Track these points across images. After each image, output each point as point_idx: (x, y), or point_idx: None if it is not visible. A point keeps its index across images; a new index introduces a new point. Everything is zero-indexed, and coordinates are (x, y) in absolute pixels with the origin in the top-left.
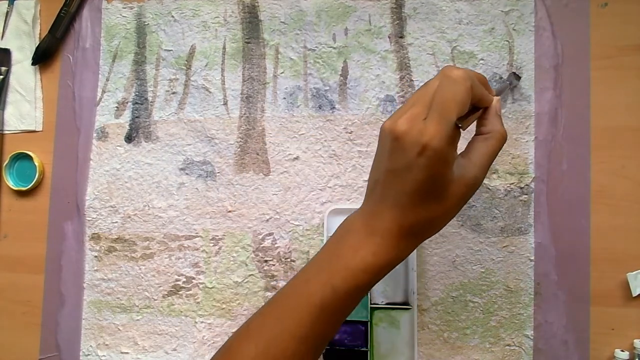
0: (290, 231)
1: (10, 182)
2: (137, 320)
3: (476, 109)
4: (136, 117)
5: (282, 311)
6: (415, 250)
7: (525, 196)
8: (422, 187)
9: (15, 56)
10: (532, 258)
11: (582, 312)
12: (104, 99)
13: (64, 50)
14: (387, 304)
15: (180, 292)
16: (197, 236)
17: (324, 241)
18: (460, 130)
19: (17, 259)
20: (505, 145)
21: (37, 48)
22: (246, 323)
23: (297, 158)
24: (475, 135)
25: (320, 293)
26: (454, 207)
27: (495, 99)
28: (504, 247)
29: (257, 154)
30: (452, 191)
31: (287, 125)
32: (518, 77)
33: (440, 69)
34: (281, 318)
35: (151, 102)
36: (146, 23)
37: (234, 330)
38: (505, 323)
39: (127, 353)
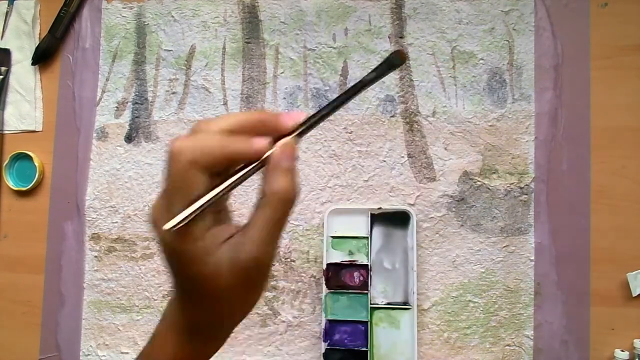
0: (290, 231)
1: (10, 182)
2: (137, 320)
3: (251, 164)
4: (136, 117)
5: None
6: (415, 250)
7: (525, 196)
8: (179, 287)
9: (15, 56)
10: (532, 258)
11: (582, 312)
12: (104, 99)
13: (64, 50)
14: (387, 304)
15: None
16: None
17: (324, 241)
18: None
19: (17, 259)
20: (505, 145)
21: (37, 48)
22: None
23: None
24: (257, 197)
25: None
26: (235, 300)
27: (281, 144)
28: (504, 247)
29: None
30: (221, 285)
31: None
32: (403, 57)
33: (439, 70)
34: None
35: (151, 102)
36: (146, 23)
37: (234, 331)
38: (505, 323)
39: (127, 353)
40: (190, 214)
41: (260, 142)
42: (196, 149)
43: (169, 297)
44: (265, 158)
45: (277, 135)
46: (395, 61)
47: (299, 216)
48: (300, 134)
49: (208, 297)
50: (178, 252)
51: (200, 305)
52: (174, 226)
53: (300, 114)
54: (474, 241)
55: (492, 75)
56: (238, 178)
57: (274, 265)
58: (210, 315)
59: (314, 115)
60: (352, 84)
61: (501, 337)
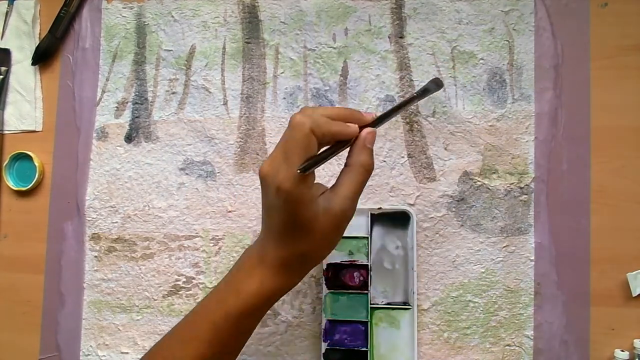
0: None
1: (10, 182)
2: (137, 320)
3: (341, 142)
4: (136, 117)
5: (184, 333)
6: (415, 250)
7: (525, 196)
8: (283, 225)
9: (15, 56)
10: (532, 258)
11: (582, 312)
12: (104, 99)
13: (64, 50)
14: (387, 304)
15: (180, 292)
16: (197, 236)
17: None
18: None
19: (17, 259)
20: (505, 145)
21: (37, 48)
22: (155, 345)
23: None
24: (344, 166)
25: (215, 315)
26: (324, 241)
27: (366, 130)
28: (504, 247)
29: (257, 154)
30: (317, 227)
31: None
32: (439, 85)
33: (439, 70)
34: (183, 340)
35: (151, 102)
36: (146, 23)
37: None
38: (505, 323)
39: (127, 353)
40: (314, 163)
41: (354, 127)
42: (314, 122)
43: (258, 238)
44: (355, 139)
45: (361, 125)
46: (439, 83)
47: None
48: (376, 125)
49: (305, 235)
50: (295, 194)
51: (297, 241)
52: (304, 169)
53: (375, 113)
54: (474, 241)
55: (492, 75)
56: (337, 147)
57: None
58: (302, 252)
59: (384, 114)
60: (415, 91)
61: (501, 337)
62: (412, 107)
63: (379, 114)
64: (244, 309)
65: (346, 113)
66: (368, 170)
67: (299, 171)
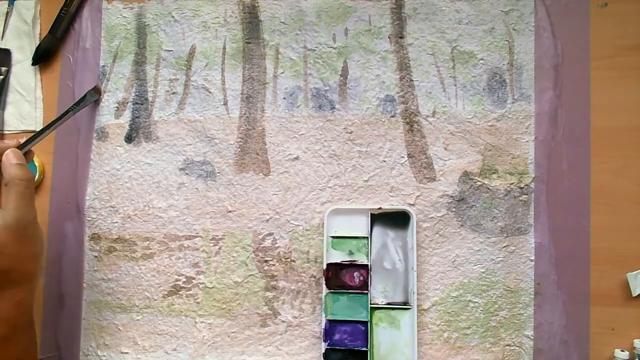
0: (290, 231)
1: None
2: (137, 320)
3: None
4: (136, 117)
5: None
6: (415, 250)
7: (525, 196)
8: None
9: (15, 56)
10: (532, 258)
11: (582, 312)
12: (104, 99)
13: (64, 50)
14: (387, 304)
15: (180, 292)
16: (197, 236)
17: (324, 241)
18: None
19: None
20: (505, 145)
21: (37, 48)
22: None
23: (297, 158)
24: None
25: None
26: (18, 253)
27: (7, 152)
28: (504, 247)
29: (257, 154)
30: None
31: (287, 125)
32: (98, 92)
33: (439, 70)
34: None
35: (151, 102)
36: (146, 23)
37: (234, 331)
38: (505, 323)
39: (127, 353)
40: None
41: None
42: None
43: None
44: None
45: (2, 151)
46: (92, 96)
47: (299, 216)
48: (24, 147)
49: None
50: None
51: None
52: None
53: (20, 140)
54: (474, 241)
55: (492, 75)
56: None
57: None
58: (1, 270)
59: (33, 136)
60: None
61: (501, 337)
62: (412, 107)
63: (23, 140)
64: None
65: None
66: (22, 179)
67: None
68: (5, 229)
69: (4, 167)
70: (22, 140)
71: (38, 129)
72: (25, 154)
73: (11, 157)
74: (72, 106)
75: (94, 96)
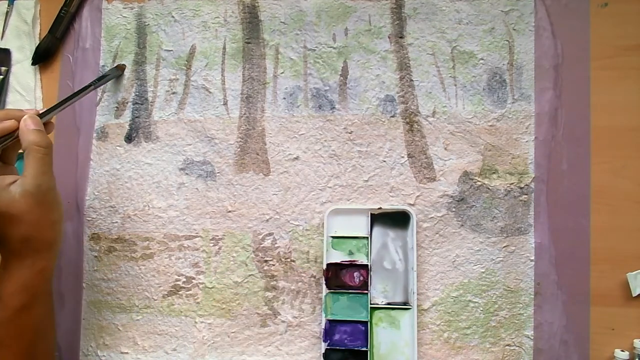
0: (290, 231)
1: None
2: (137, 320)
3: (7, 137)
4: (136, 117)
5: None
6: (415, 250)
7: (525, 196)
8: None
9: (15, 56)
10: (532, 258)
11: (582, 312)
12: (104, 99)
13: (64, 50)
14: (387, 304)
15: (180, 292)
16: (197, 236)
17: (324, 241)
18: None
19: None
20: (505, 145)
21: (37, 48)
22: None
23: (297, 158)
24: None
25: None
26: (38, 220)
27: (24, 117)
28: (504, 247)
29: (257, 154)
30: (20, 209)
31: (287, 125)
32: (121, 69)
33: (439, 70)
34: None
35: (151, 102)
36: (146, 23)
37: (234, 331)
38: (505, 323)
39: (127, 353)
40: None
41: (10, 122)
42: None
43: None
44: (17, 131)
45: (20, 118)
46: (121, 68)
47: (299, 216)
48: (45, 115)
49: (11, 220)
50: None
51: (9, 228)
52: None
53: (38, 110)
54: (474, 241)
55: (492, 75)
56: (3, 142)
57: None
58: (23, 236)
59: (54, 105)
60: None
61: (501, 337)
62: (412, 107)
63: (42, 110)
64: (10, 311)
65: (1, 114)
66: (41, 145)
67: None
68: (25, 195)
69: (21, 133)
70: (41, 111)
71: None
72: (45, 126)
73: (29, 123)
74: (94, 81)
75: (117, 72)
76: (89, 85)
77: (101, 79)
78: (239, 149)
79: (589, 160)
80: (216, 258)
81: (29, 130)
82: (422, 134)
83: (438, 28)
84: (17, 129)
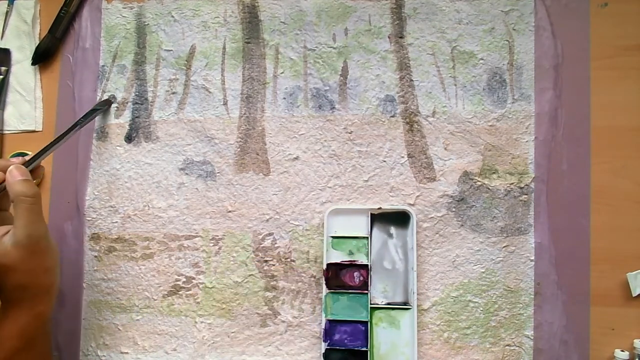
0: (290, 231)
1: None
2: (137, 320)
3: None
4: (136, 117)
5: None
6: (415, 250)
7: (525, 196)
8: None
9: (15, 56)
10: (532, 258)
11: (582, 312)
12: (103, 99)
13: (64, 50)
14: (387, 304)
15: (180, 292)
16: (197, 236)
17: (324, 241)
18: None
19: None
20: (505, 145)
21: (37, 48)
22: None
23: (297, 158)
24: None
25: None
26: (35, 268)
27: (11, 168)
28: (504, 247)
29: (257, 154)
30: (14, 259)
31: (287, 125)
32: (109, 103)
33: (439, 70)
34: None
35: (151, 102)
36: (146, 23)
37: (234, 331)
38: (505, 323)
39: (127, 353)
40: None
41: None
42: None
43: None
44: (4, 182)
45: (6, 169)
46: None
47: (299, 216)
48: (30, 164)
49: (7, 271)
50: None
51: (5, 278)
52: None
53: (26, 158)
54: (474, 241)
55: (492, 75)
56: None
57: (49, 242)
58: (20, 284)
59: (38, 152)
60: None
61: (501, 337)
62: (412, 107)
63: (29, 157)
64: (8, 352)
65: None
66: (28, 195)
67: None
68: (17, 246)
69: (8, 184)
70: (28, 158)
71: (38, 129)
72: (34, 171)
73: (15, 174)
74: (80, 119)
75: (104, 106)
76: (75, 125)
77: (87, 116)
78: (239, 149)
79: (589, 160)
80: (216, 258)
81: (15, 181)
82: (422, 134)
83: (438, 28)
84: (4, 180)
